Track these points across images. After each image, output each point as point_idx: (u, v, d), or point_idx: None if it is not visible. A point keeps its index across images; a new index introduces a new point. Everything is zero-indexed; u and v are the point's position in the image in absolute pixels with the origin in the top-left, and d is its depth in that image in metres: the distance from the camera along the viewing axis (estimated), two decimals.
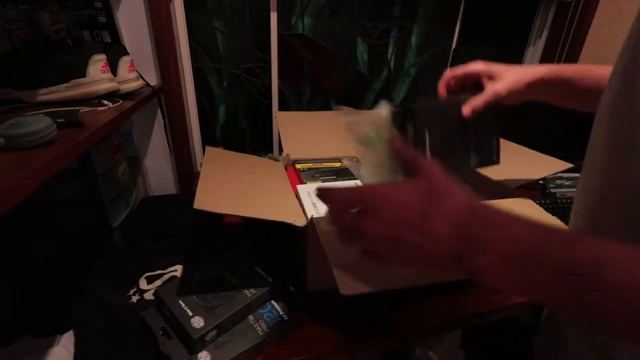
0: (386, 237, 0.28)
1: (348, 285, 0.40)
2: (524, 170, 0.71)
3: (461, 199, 0.27)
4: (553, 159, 0.77)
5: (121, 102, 0.64)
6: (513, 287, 0.25)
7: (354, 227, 0.29)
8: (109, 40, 0.78)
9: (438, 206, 0.27)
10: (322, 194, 0.33)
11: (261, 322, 0.51)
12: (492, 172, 0.70)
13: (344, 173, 0.78)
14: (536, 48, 1.40)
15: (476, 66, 0.53)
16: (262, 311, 0.53)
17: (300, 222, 0.52)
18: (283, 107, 1.23)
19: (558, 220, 0.54)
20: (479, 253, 0.25)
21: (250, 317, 0.52)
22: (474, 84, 0.54)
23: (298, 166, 0.78)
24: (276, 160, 0.83)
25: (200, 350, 0.47)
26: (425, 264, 0.28)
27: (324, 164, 0.80)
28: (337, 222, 0.31)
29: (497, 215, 0.26)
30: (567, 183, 0.90)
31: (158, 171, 1.00)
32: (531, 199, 0.60)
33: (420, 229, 0.27)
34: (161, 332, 0.49)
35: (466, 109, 0.50)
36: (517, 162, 0.72)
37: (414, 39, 1.29)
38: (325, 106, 1.30)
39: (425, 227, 0.26)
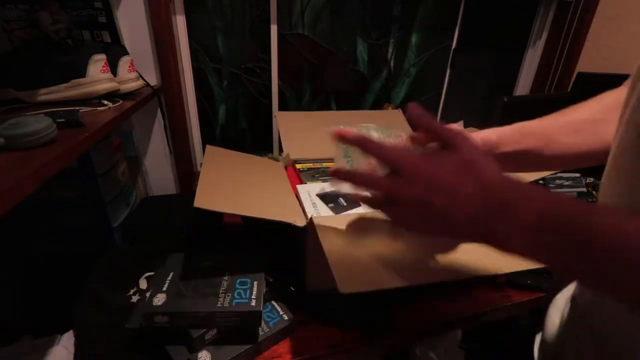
0: (417, 201, 0.29)
1: (347, 284, 0.40)
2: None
3: (496, 171, 0.28)
4: None
5: (121, 102, 0.64)
6: (531, 253, 0.26)
7: (388, 189, 0.31)
8: (109, 40, 0.78)
9: (474, 174, 0.28)
10: (361, 142, 0.33)
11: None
12: None
13: None
14: (536, 48, 1.41)
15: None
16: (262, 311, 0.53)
17: (300, 222, 0.52)
18: (283, 107, 1.23)
19: None
20: (505, 218, 0.26)
21: None
22: None
23: (298, 166, 0.78)
24: (276, 160, 0.83)
25: (201, 349, 0.47)
26: (449, 230, 0.30)
27: (324, 164, 0.80)
28: (370, 183, 0.32)
29: (527, 187, 0.27)
30: (567, 183, 0.90)
31: (158, 171, 1.00)
32: None
33: (453, 193, 0.28)
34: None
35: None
36: None
37: (414, 39, 1.29)
38: (325, 106, 1.30)
39: (460, 191, 0.28)
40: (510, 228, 0.26)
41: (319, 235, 0.45)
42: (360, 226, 0.49)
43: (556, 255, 0.25)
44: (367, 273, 0.43)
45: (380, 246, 0.47)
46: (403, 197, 0.30)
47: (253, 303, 0.48)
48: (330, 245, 0.44)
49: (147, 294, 0.49)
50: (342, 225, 0.48)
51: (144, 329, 0.47)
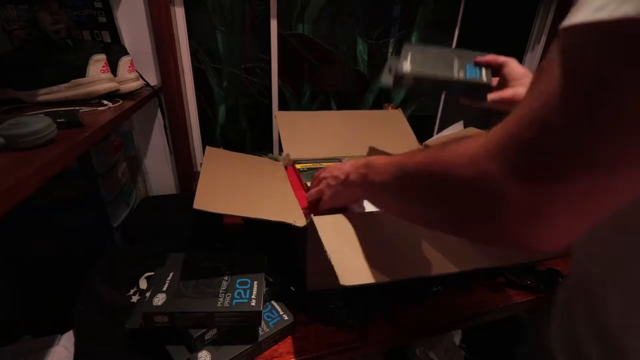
0: (327, 186, 0.53)
1: (347, 277, 0.41)
2: None
3: (359, 160, 0.47)
4: None
5: (121, 102, 0.64)
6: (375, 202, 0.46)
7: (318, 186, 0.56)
8: (109, 40, 0.78)
9: (346, 166, 0.50)
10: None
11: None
12: None
13: None
14: (536, 49, 1.41)
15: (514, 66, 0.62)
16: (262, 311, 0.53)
17: (300, 222, 0.52)
18: (283, 107, 1.23)
19: None
20: (364, 184, 0.44)
21: None
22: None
23: (298, 166, 0.78)
24: (276, 160, 0.83)
25: (201, 349, 0.47)
26: (347, 197, 0.52)
27: (323, 163, 0.80)
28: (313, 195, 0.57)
29: (375, 162, 0.42)
30: None
31: (158, 171, 1.00)
32: None
33: (342, 179, 0.50)
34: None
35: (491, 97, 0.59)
36: None
37: (414, 39, 1.30)
38: (325, 106, 1.30)
39: (345, 177, 0.49)
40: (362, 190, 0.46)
41: (320, 234, 0.45)
42: (360, 224, 0.49)
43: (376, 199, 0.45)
44: (367, 267, 0.43)
45: (381, 242, 0.47)
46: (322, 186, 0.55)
47: (253, 303, 0.48)
48: (331, 242, 0.44)
49: (147, 294, 0.49)
50: (343, 225, 0.48)
51: (144, 329, 0.47)
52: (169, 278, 0.52)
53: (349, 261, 0.43)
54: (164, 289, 0.50)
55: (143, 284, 0.60)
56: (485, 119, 0.60)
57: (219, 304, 0.47)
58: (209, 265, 0.55)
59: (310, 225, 0.48)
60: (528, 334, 0.48)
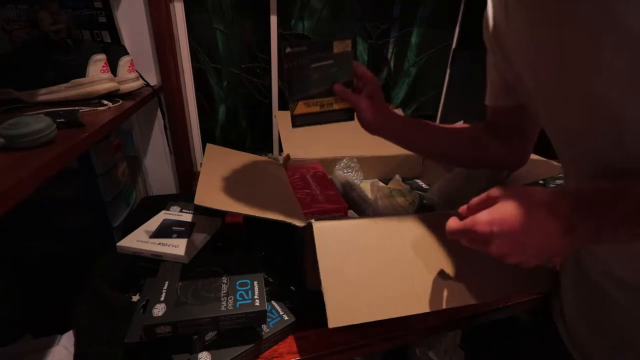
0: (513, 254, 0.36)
1: (337, 318, 0.43)
2: (524, 172, 0.71)
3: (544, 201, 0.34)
4: (553, 162, 0.77)
5: (121, 102, 0.64)
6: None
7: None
8: (109, 40, 0.78)
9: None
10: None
11: None
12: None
13: None
14: None
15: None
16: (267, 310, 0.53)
17: (299, 222, 0.52)
18: (283, 107, 1.23)
19: None
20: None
21: None
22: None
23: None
24: (276, 160, 0.83)
25: (201, 350, 0.47)
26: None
27: None
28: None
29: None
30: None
31: (158, 171, 1.00)
32: None
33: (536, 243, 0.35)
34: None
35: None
36: None
37: (414, 39, 1.30)
38: None
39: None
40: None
41: (317, 244, 0.45)
42: (362, 231, 0.49)
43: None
44: (360, 303, 0.46)
45: (380, 262, 0.48)
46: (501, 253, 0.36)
47: (257, 303, 0.48)
48: (327, 256, 0.45)
49: (143, 306, 0.48)
50: (342, 233, 0.48)
51: (145, 342, 0.46)
52: (165, 287, 0.51)
53: (343, 294, 0.45)
54: (162, 299, 0.49)
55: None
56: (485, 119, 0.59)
57: (222, 308, 0.47)
58: (205, 270, 0.55)
59: (309, 230, 0.48)
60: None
